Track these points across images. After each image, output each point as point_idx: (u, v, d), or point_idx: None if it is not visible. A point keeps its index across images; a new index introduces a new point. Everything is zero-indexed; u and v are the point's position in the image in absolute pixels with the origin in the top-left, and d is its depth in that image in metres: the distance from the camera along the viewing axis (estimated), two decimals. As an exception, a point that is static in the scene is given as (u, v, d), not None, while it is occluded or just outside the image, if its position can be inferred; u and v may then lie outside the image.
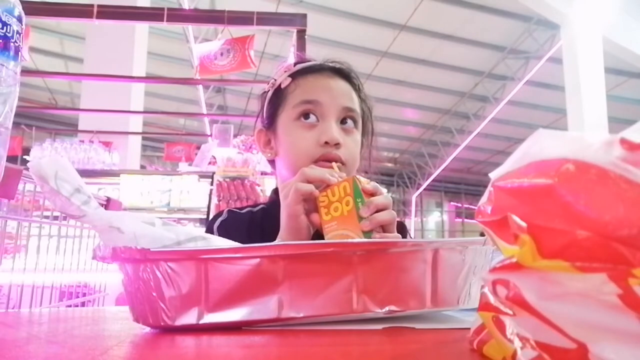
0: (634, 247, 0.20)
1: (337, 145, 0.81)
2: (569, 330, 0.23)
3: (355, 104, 0.87)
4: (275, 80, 0.90)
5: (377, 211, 0.64)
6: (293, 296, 0.43)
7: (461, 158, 12.69)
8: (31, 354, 0.35)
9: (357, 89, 0.90)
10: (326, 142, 0.80)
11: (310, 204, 0.70)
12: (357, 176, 0.68)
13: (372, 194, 0.67)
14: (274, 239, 0.82)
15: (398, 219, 0.94)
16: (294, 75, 0.88)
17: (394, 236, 0.67)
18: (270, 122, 0.90)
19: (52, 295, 1.28)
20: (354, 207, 0.64)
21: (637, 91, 9.32)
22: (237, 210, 0.96)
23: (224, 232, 0.88)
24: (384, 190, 0.69)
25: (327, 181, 0.69)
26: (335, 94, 0.85)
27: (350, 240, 0.58)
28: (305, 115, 0.83)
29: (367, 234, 0.63)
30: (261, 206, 0.97)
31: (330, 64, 0.90)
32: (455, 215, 17.16)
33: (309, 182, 0.69)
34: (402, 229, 0.91)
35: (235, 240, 0.74)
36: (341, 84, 0.87)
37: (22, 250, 1.22)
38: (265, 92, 0.93)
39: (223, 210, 0.95)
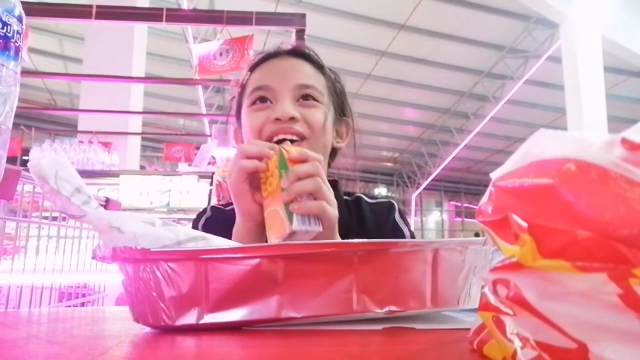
0: (634, 246, 0.20)
1: (292, 119, 0.78)
2: (570, 330, 0.23)
3: (313, 80, 0.84)
4: (239, 79, 0.90)
5: (300, 180, 0.62)
6: (293, 296, 0.43)
7: (461, 157, 12.70)
8: (31, 354, 0.35)
9: (320, 67, 0.87)
10: (277, 119, 0.78)
11: (257, 183, 0.68)
12: (285, 146, 0.65)
13: (302, 162, 0.64)
14: None
15: (388, 199, 0.93)
16: (253, 69, 0.87)
17: (319, 205, 0.62)
18: (239, 118, 0.90)
19: (52, 296, 1.28)
20: (279, 180, 0.62)
21: (636, 90, 9.32)
22: (222, 207, 0.94)
23: (209, 230, 0.87)
24: (319, 156, 0.66)
25: (267, 155, 0.66)
26: (287, 74, 0.82)
27: (351, 241, 0.58)
28: (262, 99, 0.82)
29: (289, 205, 0.60)
30: None
31: (287, 48, 0.88)
32: (455, 215, 17.16)
33: (248, 158, 0.66)
34: (389, 210, 0.90)
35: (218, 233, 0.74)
36: (295, 63, 0.85)
37: (22, 251, 1.22)
38: (233, 96, 0.93)
39: (206, 208, 0.94)
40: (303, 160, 0.64)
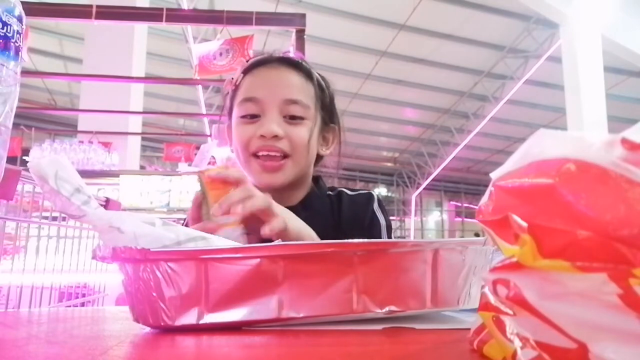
0: (634, 246, 0.20)
1: (275, 137, 0.81)
2: (570, 330, 0.23)
3: (302, 94, 0.85)
4: (233, 78, 0.92)
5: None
6: (293, 296, 0.43)
7: (461, 157, 12.69)
8: (31, 354, 0.35)
9: (310, 77, 0.89)
10: (262, 135, 0.81)
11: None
12: (205, 171, 0.65)
13: (227, 183, 0.64)
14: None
15: (366, 190, 0.95)
16: (246, 71, 0.89)
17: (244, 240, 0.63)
18: (231, 116, 0.92)
19: (52, 296, 1.28)
20: (206, 206, 0.63)
21: (636, 90, 9.32)
22: None
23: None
24: (240, 174, 0.66)
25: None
26: (276, 87, 0.85)
27: (351, 241, 0.58)
28: (251, 115, 0.84)
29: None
30: None
31: (278, 55, 0.90)
32: (455, 215, 17.15)
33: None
34: (368, 200, 0.92)
35: None
36: (285, 75, 0.87)
37: (22, 251, 1.22)
38: (226, 92, 0.94)
39: None
40: (225, 182, 0.64)
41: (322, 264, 0.44)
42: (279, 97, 0.83)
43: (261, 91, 0.84)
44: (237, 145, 0.86)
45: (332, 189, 0.97)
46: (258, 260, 0.43)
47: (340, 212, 0.91)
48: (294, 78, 0.87)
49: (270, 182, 0.82)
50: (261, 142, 0.81)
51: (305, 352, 0.36)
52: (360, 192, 0.96)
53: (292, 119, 0.84)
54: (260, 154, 0.82)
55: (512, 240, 0.25)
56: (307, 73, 0.89)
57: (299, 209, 0.87)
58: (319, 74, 0.92)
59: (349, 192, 0.96)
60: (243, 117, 0.85)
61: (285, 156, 0.83)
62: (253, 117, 0.84)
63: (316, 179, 0.95)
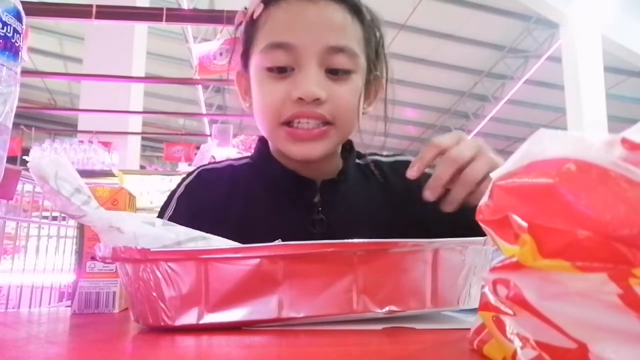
0: (634, 246, 0.20)
1: (316, 101, 0.62)
2: (570, 330, 0.23)
3: (349, 38, 0.65)
4: (247, 9, 0.70)
5: None
6: (293, 296, 0.43)
7: (461, 157, 12.69)
8: (31, 354, 0.35)
9: (357, 12, 0.67)
10: (300, 98, 0.62)
11: None
12: None
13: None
14: (262, 196, 0.72)
15: (403, 156, 0.81)
16: (268, 1, 0.67)
17: None
18: (246, 63, 0.72)
19: (52, 296, 1.28)
20: None
21: (636, 90, 9.32)
22: (213, 167, 0.78)
23: (187, 198, 0.72)
24: None
25: None
26: (316, 28, 0.63)
27: (351, 240, 0.58)
28: (280, 68, 0.65)
29: None
30: (245, 160, 0.79)
31: None
32: (454, 215, 17.15)
33: None
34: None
35: (210, 202, 0.68)
36: (327, 11, 0.64)
37: (22, 251, 1.22)
38: (238, 24, 0.73)
39: (193, 171, 0.77)
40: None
41: (322, 264, 0.44)
42: (321, 44, 0.63)
43: (296, 34, 0.63)
44: (261, 109, 0.67)
45: (359, 155, 0.79)
46: (258, 260, 0.43)
47: (389, 184, 0.75)
48: (339, 15, 0.65)
49: (307, 154, 0.65)
50: (297, 106, 0.63)
51: (305, 352, 0.36)
52: (398, 159, 0.80)
53: (335, 73, 0.64)
54: (294, 122, 0.64)
55: (512, 240, 0.25)
56: (353, 7, 0.66)
57: (339, 182, 0.72)
58: (365, 7, 0.69)
59: (384, 160, 0.79)
60: (269, 69, 0.65)
61: (325, 124, 0.64)
62: (283, 71, 0.64)
63: (350, 145, 0.77)
